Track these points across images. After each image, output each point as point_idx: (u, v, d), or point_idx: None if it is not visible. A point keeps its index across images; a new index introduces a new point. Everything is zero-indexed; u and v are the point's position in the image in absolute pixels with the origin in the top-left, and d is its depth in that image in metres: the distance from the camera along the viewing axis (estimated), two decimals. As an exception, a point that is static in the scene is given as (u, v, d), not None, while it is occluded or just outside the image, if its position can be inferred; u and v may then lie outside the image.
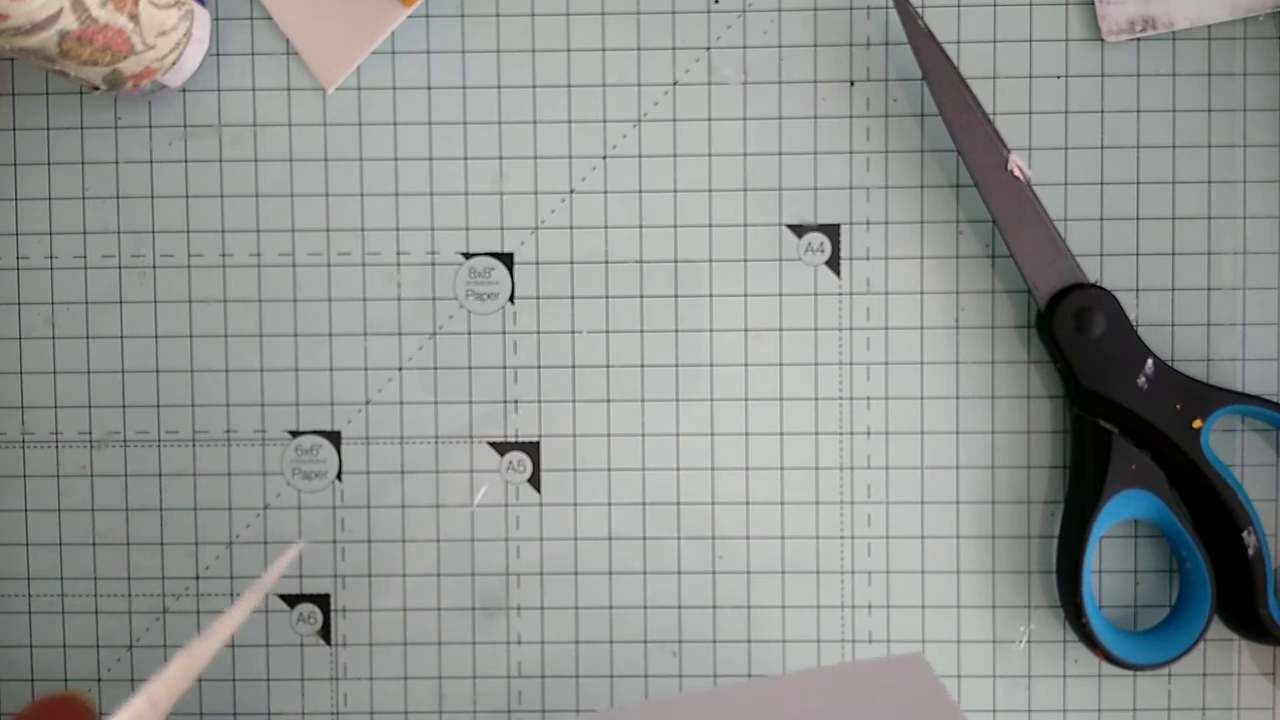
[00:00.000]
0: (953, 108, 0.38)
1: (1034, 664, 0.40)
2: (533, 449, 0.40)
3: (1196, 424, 0.38)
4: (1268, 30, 0.39)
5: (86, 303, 0.40)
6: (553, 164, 0.40)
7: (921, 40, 0.37)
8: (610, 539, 0.40)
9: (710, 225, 0.40)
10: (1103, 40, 0.39)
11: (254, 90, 0.40)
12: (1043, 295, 0.38)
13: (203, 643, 0.31)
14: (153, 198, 0.40)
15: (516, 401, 0.40)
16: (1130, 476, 0.38)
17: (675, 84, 0.40)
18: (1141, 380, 0.38)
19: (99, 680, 0.41)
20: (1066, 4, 0.39)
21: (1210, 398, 0.38)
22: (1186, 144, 0.40)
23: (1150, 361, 0.38)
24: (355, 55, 0.40)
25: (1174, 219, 0.40)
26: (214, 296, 0.40)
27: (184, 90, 0.40)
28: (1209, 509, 0.38)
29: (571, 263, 0.40)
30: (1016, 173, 0.38)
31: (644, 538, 0.40)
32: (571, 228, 0.40)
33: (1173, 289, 0.40)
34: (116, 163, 0.40)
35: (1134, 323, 0.39)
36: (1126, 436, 0.38)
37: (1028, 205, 0.38)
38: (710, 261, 0.40)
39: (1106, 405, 0.38)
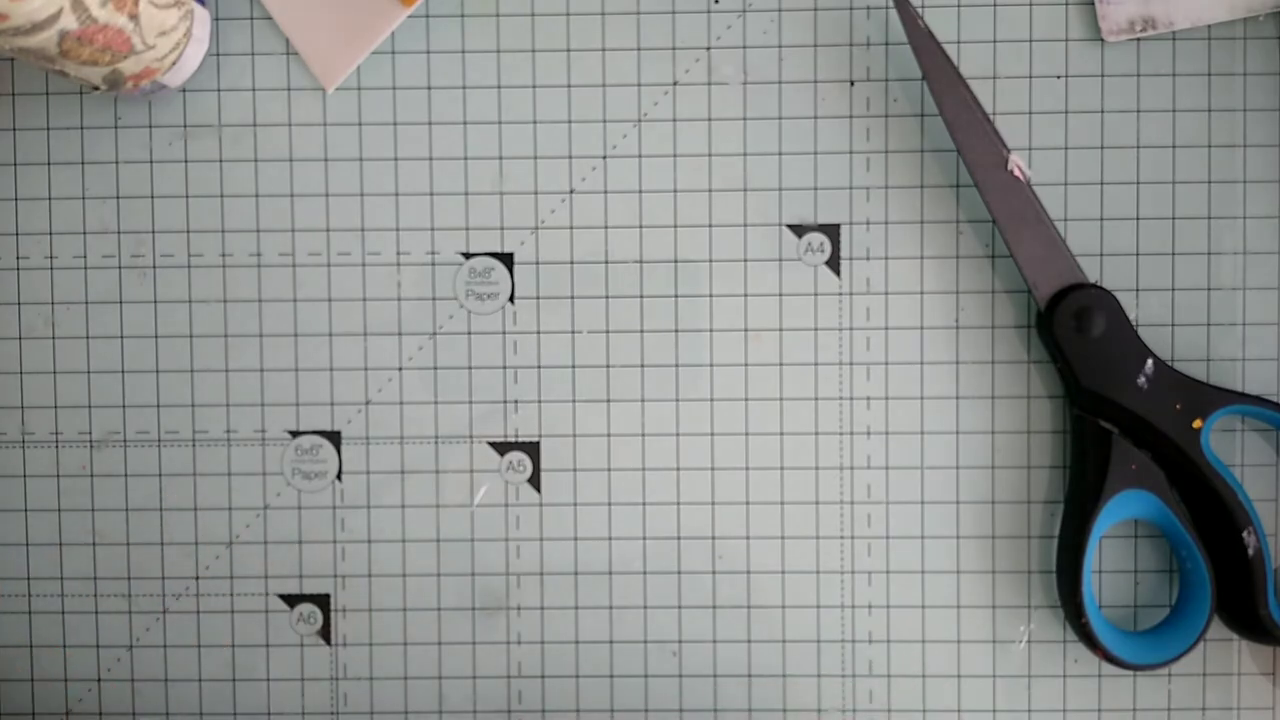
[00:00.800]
0: (953, 108, 0.38)
1: (1034, 664, 0.40)
2: (533, 449, 0.40)
3: (1196, 424, 0.38)
4: (1268, 30, 0.39)
5: (86, 303, 0.40)
6: (553, 164, 0.40)
7: (921, 40, 0.37)
8: (610, 539, 0.40)
9: (710, 225, 0.40)
10: (1103, 40, 0.39)
11: (254, 90, 0.40)
12: (1043, 295, 0.38)
13: None
14: (153, 198, 0.40)
15: (516, 401, 0.40)
16: (1130, 476, 0.38)
17: (675, 84, 0.40)
18: (1141, 380, 0.38)
19: (99, 680, 0.41)
20: (1066, 4, 0.39)
21: (1210, 398, 0.38)
22: (1186, 144, 0.40)
23: (1150, 361, 0.38)
24: (355, 55, 0.40)
25: (1174, 219, 0.40)
26: (214, 296, 0.40)
27: (184, 90, 0.40)
28: (1209, 509, 0.38)
29: (571, 263, 0.40)
30: (1016, 173, 0.38)
31: (644, 538, 0.40)
32: (571, 228, 0.40)
33: (1173, 289, 0.40)
34: (116, 163, 0.40)
35: (1134, 323, 0.39)
36: (1126, 436, 0.38)
37: (1028, 205, 0.38)
38: (710, 261, 0.40)
39: (1106, 405, 0.38)
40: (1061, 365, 0.39)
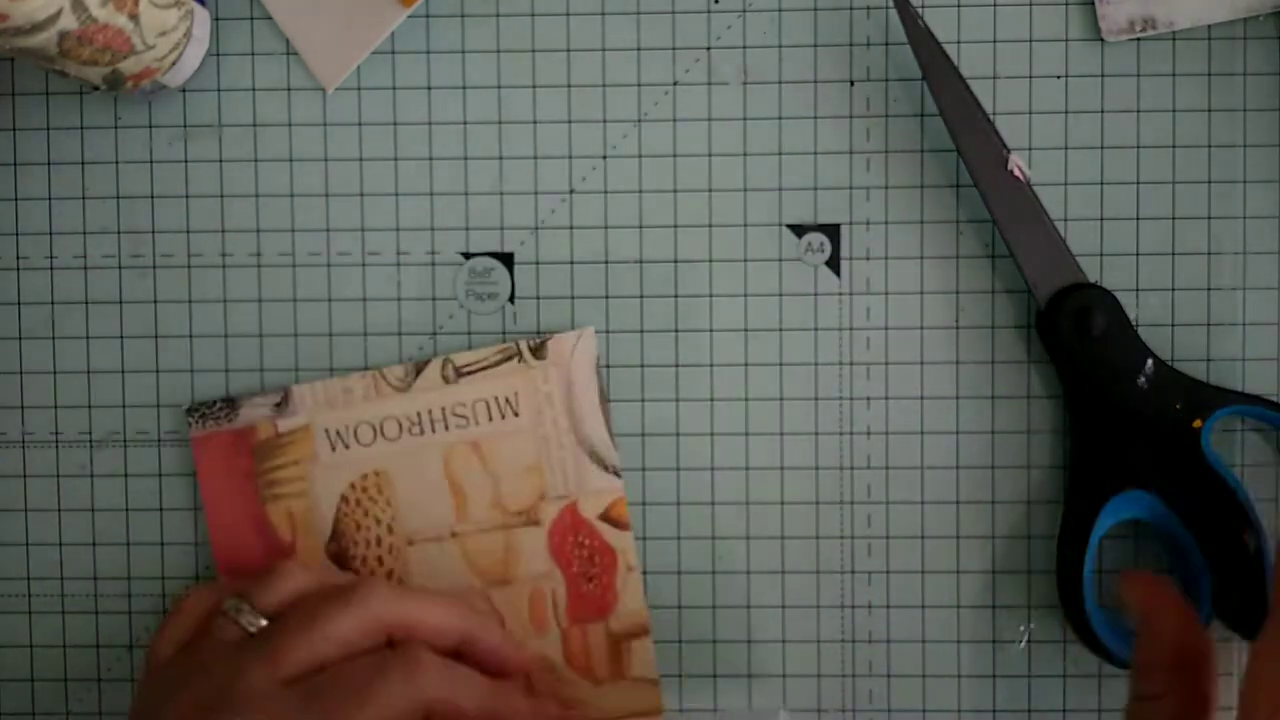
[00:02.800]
0: (953, 108, 0.38)
1: (1034, 664, 0.40)
2: (533, 449, 0.40)
3: (1196, 424, 0.38)
4: (1268, 30, 0.39)
5: (86, 303, 0.40)
6: (553, 164, 0.40)
7: (921, 39, 0.37)
8: (610, 539, 0.40)
9: (710, 225, 0.40)
10: (1103, 40, 0.39)
11: (254, 90, 0.40)
12: (1043, 295, 0.38)
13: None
14: (153, 198, 0.40)
15: (516, 401, 0.40)
16: (1130, 476, 0.38)
17: (675, 84, 0.40)
18: (1141, 380, 0.38)
19: (99, 680, 0.41)
20: (1066, 4, 0.39)
21: (1210, 398, 0.38)
22: (1186, 144, 0.40)
23: (1150, 361, 0.38)
24: (355, 55, 0.40)
25: (1174, 219, 0.40)
26: (214, 296, 0.40)
27: (184, 90, 0.40)
28: (1209, 509, 0.38)
29: (571, 263, 0.40)
30: (1016, 173, 0.38)
31: (644, 538, 0.40)
32: (571, 228, 0.40)
33: (1173, 289, 0.40)
34: (116, 163, 0.40)
35: (1134, 322, 0.39)
36: (1126, 436, 0.38)
37: (1028, 205, 0.38)
38: (710, 261, 0.40)
39: (1107, 405, 0.38)
40: (1061, 365, 0.39)
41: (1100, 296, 0.38)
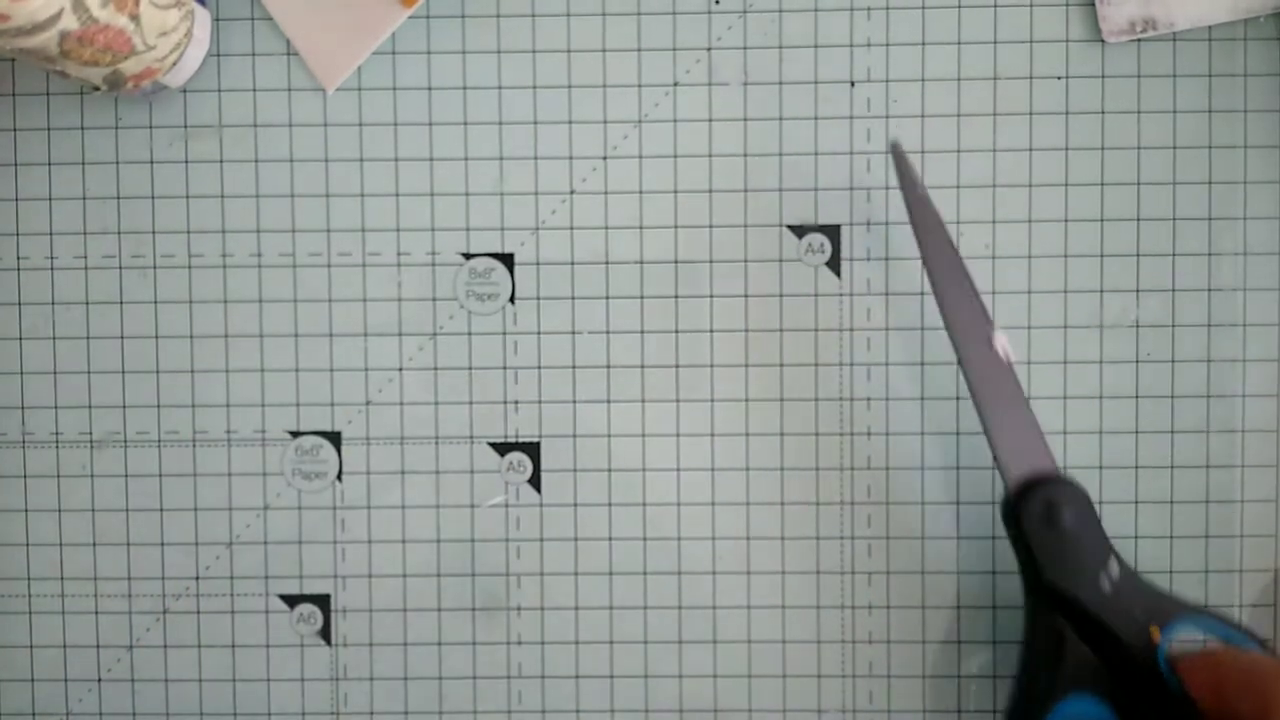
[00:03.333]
0: (943, 280, 0.36)
1: (1034, 664, 0.40)
2: (533, 449, 0.40)
3: (1155, 634, 0.35)
4: (1268, 31, 0.39)
5: (87, 303, 0.40)
6: (553, 164, 0.40)
7: (918, 205, 0.36)
8: (610, 539, 0.40)
9: (710, 226, 0.40)
10: (1103, 41, 0.39)
11: (254, 91, 0.40)
12: (1013, 481, 0.36)
13: None
14: (153, 198, 0.40)
15: (516, 402, 0.40)
16: (1082, 678, 0.36)
17: (676, 85, 0.40)
18: (1104, 582, 0.36)
19: (99, 680, 0.41)
20: (1066, 5, 0.39)
21: (1170, 609, 0.36)
22: (1187, 145, 0.40)
23: (1115, 563, 0.36)
24: (356, 56, 0.40)
25: (1174, 220, 0.40)
26: (214, 296, 0.40)
27: (184, 91, 0.40)
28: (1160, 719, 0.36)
29: (572, 263, 0.40)
30: (1001, 353, 0.36)
31: (644, 538, 0.40)
32: (572, 228, 0.40)
33: (1173, 290, 0.40)
34: (117, 163, 0.40)
35: (1134, 323, 0.39)
36: (1082, 636, 0.36)
37: (1008, 386, 0.36)
38: (710, 262, 0.40)
39: (1066, 602, 0.36)
40: (1023, 554, 0.37)
41: (1072, 492, 0.36)
